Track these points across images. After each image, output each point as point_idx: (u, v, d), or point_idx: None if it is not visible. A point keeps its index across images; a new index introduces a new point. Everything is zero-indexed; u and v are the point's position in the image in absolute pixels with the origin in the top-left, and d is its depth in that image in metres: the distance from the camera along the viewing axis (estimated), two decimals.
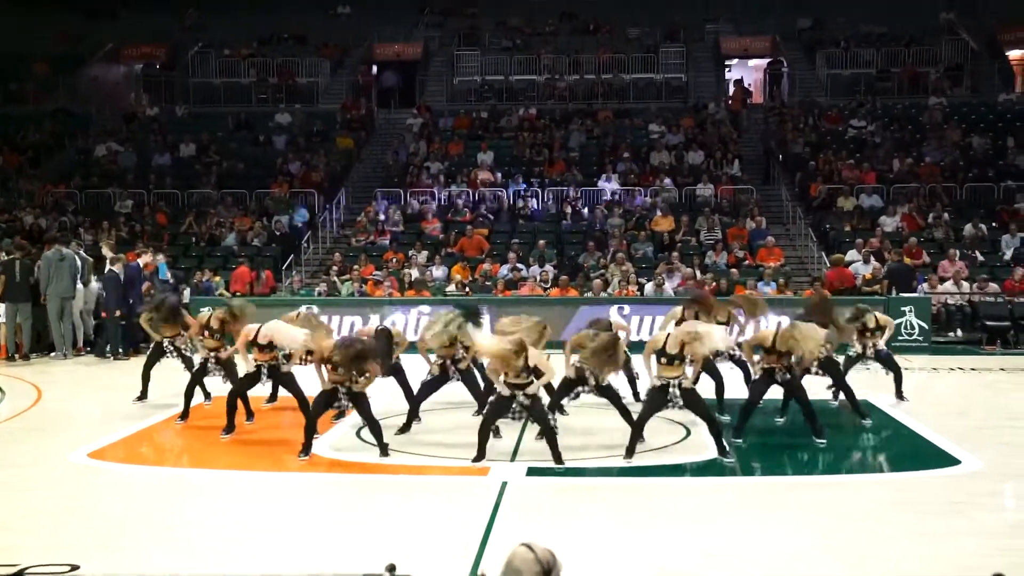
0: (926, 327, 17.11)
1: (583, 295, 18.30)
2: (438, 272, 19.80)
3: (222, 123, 28.23)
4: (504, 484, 8.13)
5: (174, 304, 11.88)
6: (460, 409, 10.97)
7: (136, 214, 23.17)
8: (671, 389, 8.81)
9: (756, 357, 9.89)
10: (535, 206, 23.38)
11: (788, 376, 9.70)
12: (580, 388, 9.46)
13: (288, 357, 10.16)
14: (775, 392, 9.97)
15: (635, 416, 9.20)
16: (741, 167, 24.56)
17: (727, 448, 8.97)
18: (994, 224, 21.34)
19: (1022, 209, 21.58)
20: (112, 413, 11.50)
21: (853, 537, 6.84)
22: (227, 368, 10.65)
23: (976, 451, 9.20)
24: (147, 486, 8.49)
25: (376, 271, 19.96)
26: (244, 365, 10.23)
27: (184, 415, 10.81)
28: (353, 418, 10.21)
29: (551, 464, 8.66)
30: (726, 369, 11.18)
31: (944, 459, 9.12)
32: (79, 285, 16.35)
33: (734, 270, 19.48)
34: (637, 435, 8.97)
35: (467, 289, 18.86)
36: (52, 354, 16.10)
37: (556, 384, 9.60)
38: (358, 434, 9.94)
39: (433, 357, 10.23)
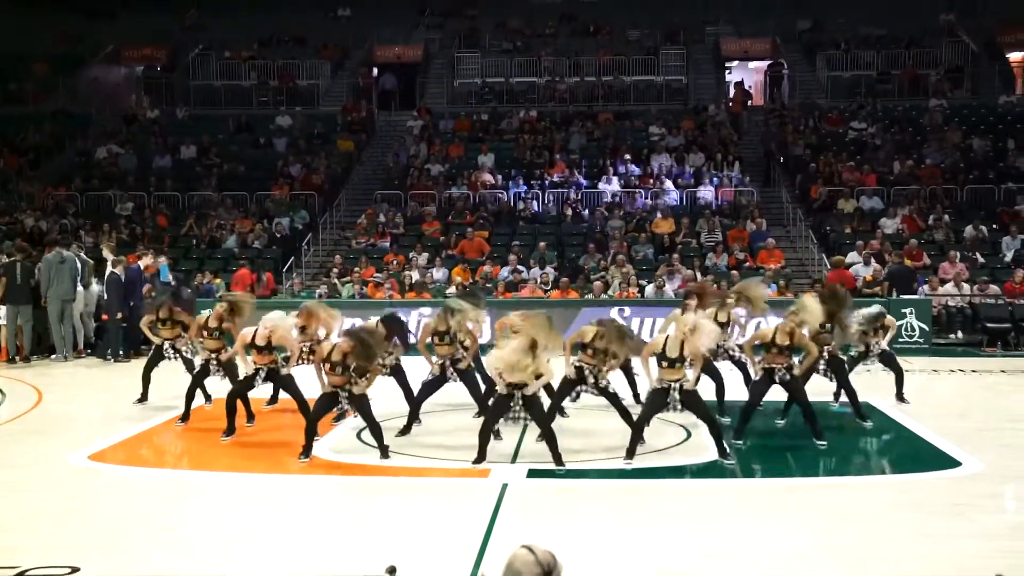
0: (927, 329, 17.11)
1: (584, 297, 18.31)
2: (438, 274, 19.80)
3: (223, 125, 28.23)
4: (504, 486, 8.14)
5: (184, 297, 11.97)
6: (460, 411, 10.98)
7: (136, 216, 23.17)
8: (672, 392, 8.81)
9: (757, 358, 9.90)
10: (536, 208, 23.39)
11: (788, 377, 9.70)
12: (580, 387, 9.46)
13: (287, 359, 10.17)
14: (775, 394, 9.96)
15: (635, 418, 9.20)
16: (741, 169, 24.57)
17: (727, 450, 8.97)
18: (994, 226, 21.34)
19: (1022, 211, 21.57)
20: (112, 415, 11.51)
21: (853, 538, 6.84)
22: (228, 369, 10.65)
23: (977, 453, 9.20)
24: (147, 488, 8.50)
25: (377, 273, 19.97)
26: (244, 368, 10.23)
27: (185, 417, 10.82)
28: (353, 420, 10.22)
29: (551, 466, 8.66)
30: (726, 370, 11.18)
31: (945, 461, 9.12)
32: (79, 287, 16.36)
33: (734, 272, 19.48)
34: (637, 437, 8.98)
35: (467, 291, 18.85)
36: (53, 356, 16.11)
37: (555, 384, 9.61)
38: (358, 436, 9.94)
39: (434, 358, 10.23)
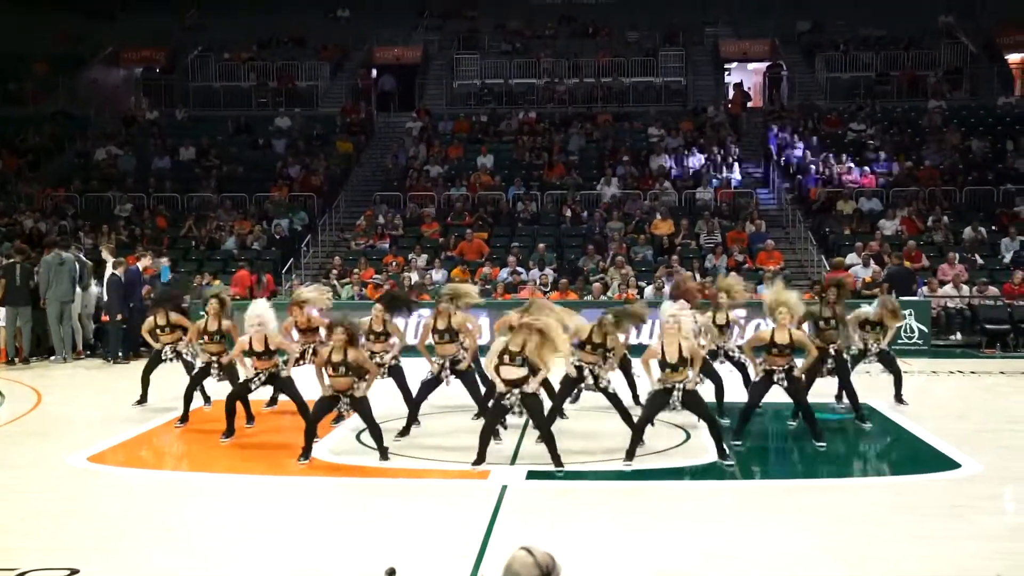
0: (926, 330, 17.11)
1: (583, 298, 18.29)
2: (438, 275, 19.80)
3: (222, 127, 28.22)
4: (504, 487, 8.14)
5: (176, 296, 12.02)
6: (459, 412, 10.98)
7: (136, 218, 23.16)
8: (675, 392, 8.82)
9: (758, 359, 9.90)
10: (535, 210, 23.38)
11: (788, 380, 9.70)
12: (581, 386, 9.48)
13: (287, 362, 10.17)
14: (775, 395, 9.95)
15: (635, 419, 9.21)
16: (741, 171, 24.56)
17: (727, 451, 8.97)
18: (993, 227, 21.34)
19: (1021, 212, 21.57)
20: (112, 417, 11.51)
21: (853, 539, 6.85)
22: (228, 373, 10.64)
23: (976, 454, 9.21)
24: (147, 489, 8.50)
25: (376, 274, 19.96)
26: (244, 371, 10.23)
27: (184, 419, 10.81)
28: (352, 422, 10.22)
29: (551, 467, 8.65)
30: (726, 372, 11.19)
31: (944, 462, 9.13)
32: (78, 289, 16.35)
33: (733, 273, 19.46)
34: (637, 438, 8.98)
35: None
36: (52, 358, 16.10)
37: (554, 383, 9.61)
38: (358, 438, 9.94)
39: (435, 358, 10.22)
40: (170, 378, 11.92)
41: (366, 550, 6.66)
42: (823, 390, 11.23)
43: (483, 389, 10.31)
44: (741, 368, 11.08)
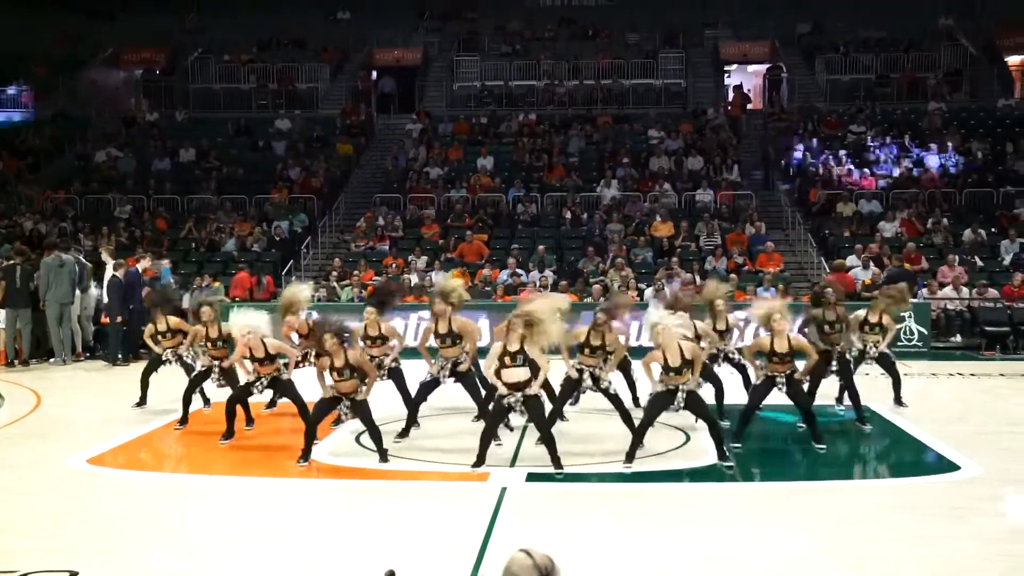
0: (925, 332, 17.12)
1: (583, 300, 18.29)
2: (437, 277, 19.77)
3: (222, 128, 28.23)
4: (504, 489, 8.14)
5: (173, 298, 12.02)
6: (459, 414, 10.98)
7: (136, 219, 23.17)
8: (678, 394, 8.82)
9: (759, 363, 9.90)
10: (535, 211, 23.38)
11: (787, 384, 9.68)
12: (581, 388, 9.48)
13: (287, 365, 10.17)
14: (775, 397, 9.95)
15: (635, 421, 9.21)
16: (740, 172, 24.58)
17: (727, 453, 8.97)
18: (993, 229, 21.35)
19: (1021, 214, 21.59)
20: (111, 418, 11.50)
21: (853, 541, 6.85)
22: (229, 377, 10.62)
23: (975, 456, 9.21)
24: (146, 490, 8.50)
25: (376, 276, 19.95)
26: (244, 375, 10.22)
27: (183, 420, 10.80)
28: (352, 424, 10.20)
29: (551, 469, 8.65)
30: (726, 374, 11.18)
31: (943, 464, 9.13)
32: (78, 291, 16.34)
33: (733, 276, 19.47)
34: (638, 441, 8.98)
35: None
36: (51, 360, 16.09)
37: (553, 381, 9.61)
38: (357, 440, 9.94)
39: (436, 360, 10.20)
40: (169, 380, 11.92)
41: (366, 552, 6.66)
42: (823, 391, 11.22)
43: (483, 391, 10.31)
44: (741, 370, 11.07)
